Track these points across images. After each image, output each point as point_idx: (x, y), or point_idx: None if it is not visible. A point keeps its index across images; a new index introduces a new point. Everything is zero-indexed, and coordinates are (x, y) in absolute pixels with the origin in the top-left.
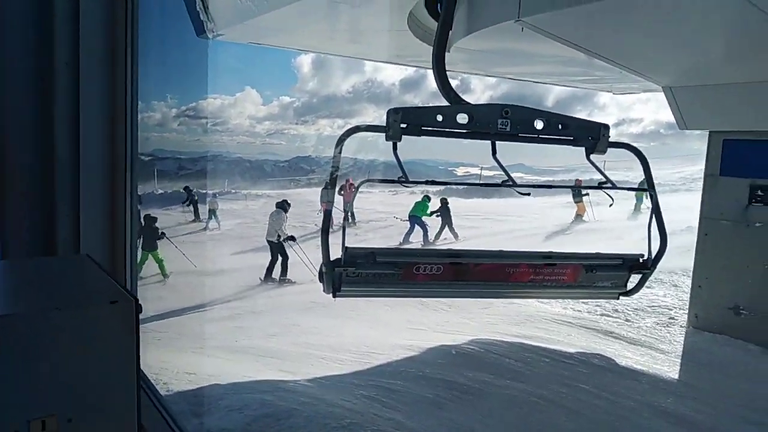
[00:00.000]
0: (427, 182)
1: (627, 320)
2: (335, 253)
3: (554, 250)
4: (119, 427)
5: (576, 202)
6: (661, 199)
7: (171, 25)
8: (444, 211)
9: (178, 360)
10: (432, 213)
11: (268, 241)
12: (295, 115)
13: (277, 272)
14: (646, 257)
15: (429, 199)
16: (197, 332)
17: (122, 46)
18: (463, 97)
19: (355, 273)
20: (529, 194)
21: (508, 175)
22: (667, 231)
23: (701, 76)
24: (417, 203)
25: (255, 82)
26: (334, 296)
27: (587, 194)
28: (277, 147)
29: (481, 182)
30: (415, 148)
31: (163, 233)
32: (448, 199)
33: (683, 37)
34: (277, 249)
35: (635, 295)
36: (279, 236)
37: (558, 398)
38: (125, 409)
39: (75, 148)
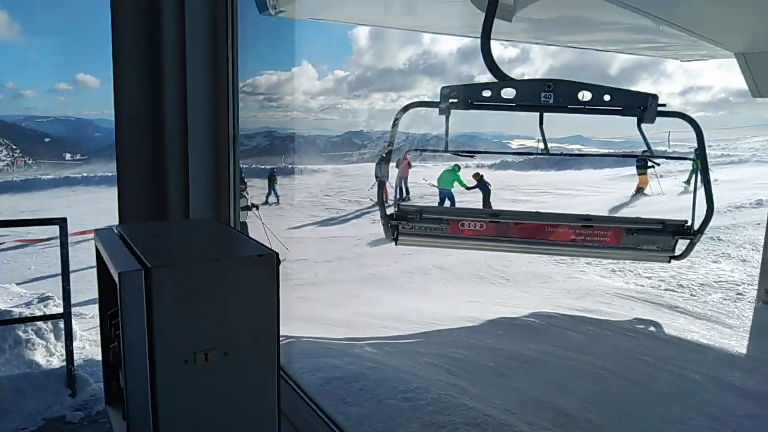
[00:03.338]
0: (467, 152)
1: (692, 295)
2: None
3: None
4: (264, 363)
5: (639, 174)
6: (730, 172)
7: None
8: (481, 186)
9: None
10: (469, 188)
11: None
12: (349, 89)
13: None
14: (689, 223)
15: (459, 168)
16: None
17: (223, 29)
18: (522, 66)
19: (408, 226)
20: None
21: (545, 145)
22: (737, 204)
23: None
24: (445, 172)
25: (311, 55)
26: (396, 244)
27: (652, 166)
28: (330, 122)
29: (516, 151)
30: (471, 121)
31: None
32: (483, 174)
33: None
34: None
35: (701, 271)
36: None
37: (621, 370)
38: (269, 347)
39: (183, 123)
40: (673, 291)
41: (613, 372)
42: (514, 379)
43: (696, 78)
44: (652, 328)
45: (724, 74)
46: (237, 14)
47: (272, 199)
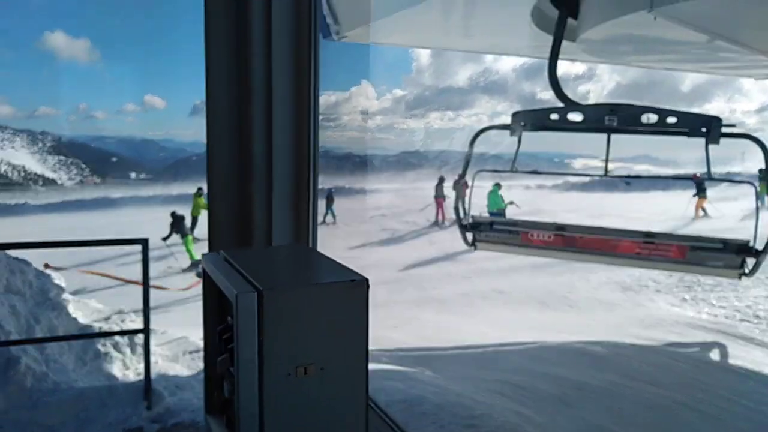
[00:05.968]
0: (531, 173)
1: None
2: None
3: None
4: (355, 378)
5: (698, 196)
6: None
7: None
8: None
9: None
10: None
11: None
12: (407, 108)
13: None
14: (751, 243)
15: (500, 187)
16: None
17: (306, 58)
18: (588, 82)
19: (482, 234)
20: (629, 183)
21: (606, 167)
22: None
23: None
24: (489, 194)
25: (371, 74)
26: (475, 249)
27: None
28: (386, 142)
29: (577, 173)
30: (530, 140)
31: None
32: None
33: None
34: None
35: None
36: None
37: (692, 402)
38: (359, 364)
39: (269, 152)
40: (748, 322)
41: (683, 404)
42: (580, 408)
43: None
44: (725, 361)
45: None
46: (319, 43)
47: (329, 219)
